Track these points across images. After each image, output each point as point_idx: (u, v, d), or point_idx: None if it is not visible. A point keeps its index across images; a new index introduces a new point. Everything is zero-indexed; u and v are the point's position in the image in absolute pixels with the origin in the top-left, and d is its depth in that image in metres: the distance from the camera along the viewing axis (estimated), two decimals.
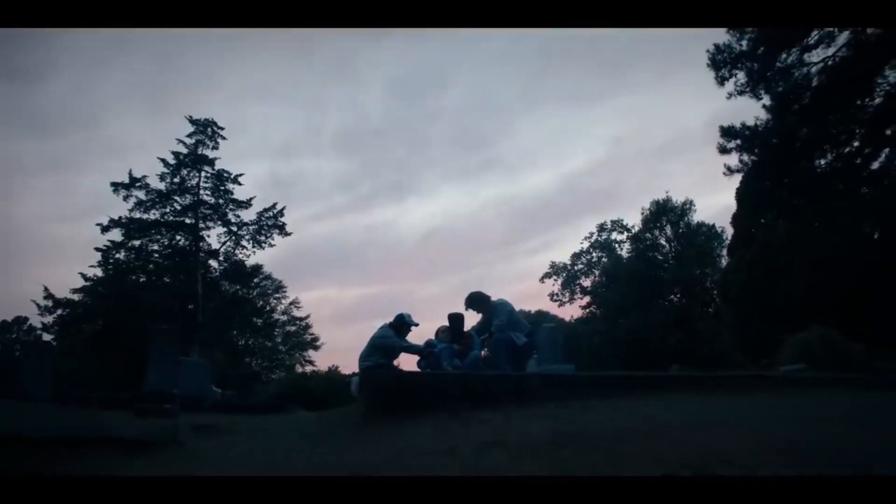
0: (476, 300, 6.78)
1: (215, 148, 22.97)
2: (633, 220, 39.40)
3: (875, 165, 13.75)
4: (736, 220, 16.26)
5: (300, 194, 57.16)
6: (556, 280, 44.59)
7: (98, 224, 20.92)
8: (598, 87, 74.59)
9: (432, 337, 6.52)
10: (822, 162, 14.98)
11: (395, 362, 6.41)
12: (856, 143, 15.06)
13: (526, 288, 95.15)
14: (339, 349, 62.17)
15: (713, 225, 33.35)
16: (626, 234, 40.63)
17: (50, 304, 20.11)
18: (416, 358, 6.38)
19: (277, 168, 55.06)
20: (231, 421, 6.51)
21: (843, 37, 15.53)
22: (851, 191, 13.49)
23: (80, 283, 21.10)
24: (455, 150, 73.36)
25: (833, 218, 12.94)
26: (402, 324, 6.25)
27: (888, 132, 14.35)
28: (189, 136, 22.60)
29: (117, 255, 21.27)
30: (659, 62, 67.34)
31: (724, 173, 14.86)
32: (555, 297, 44.68)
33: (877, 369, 7.52)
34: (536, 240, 76.58)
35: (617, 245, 41.69)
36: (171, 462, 3.60)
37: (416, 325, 6.39)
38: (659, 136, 69.06)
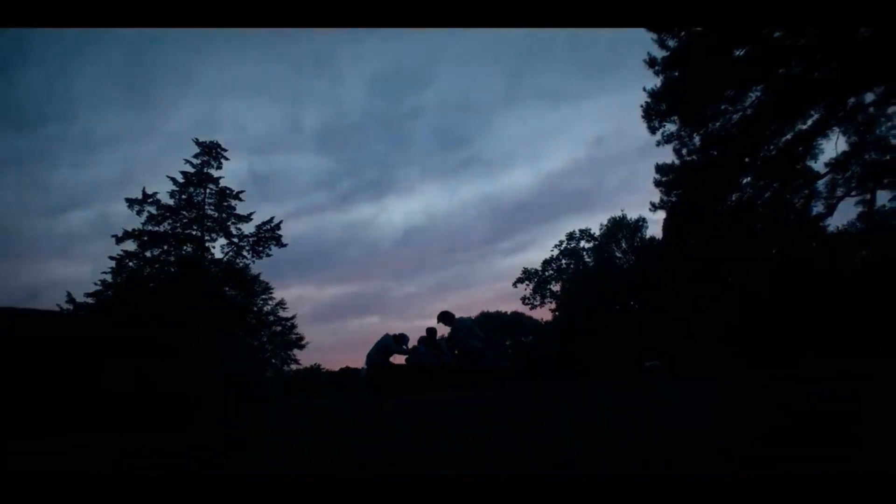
0: (446, 317, 9.87)
1: (219, 168, 25.70)
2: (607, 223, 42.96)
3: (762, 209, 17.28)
4: (663, 248, 19.74)
5: (278, 191, 54.96)
6: (527, 285, 48.23)
7: (113, 235, 23.44)
8: (579, 87, 75.52)
9: (416, 343, 9.56)
10: (731, 200, 18.51)
11: (392, 360, 9.43)
12: (757, 185, 18.62)
13: (503, 288, 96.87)
14: (319, 347, 63.30)
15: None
16: (593, 242, 44.43)
17: (71, 308, 22.40)
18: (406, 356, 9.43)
19: (255, 164, 53.24)
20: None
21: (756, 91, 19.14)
22: (748, 228, 17.01)
23: (91, 287, 23.49)
24: (435, 148, 73.54)
25: (733, 251, 16.44)
26: (402, 339, 9.25)
27: (779, 177, 17.92)
28: (195, 156, 25.25)
29: (129, 263, 23.68)
30: (640, 63, 68.06)
31: (649, 209, 18.26)
32: (526, 301, 48.27)
33: (722, 368, 10.87)
34: (515, 239, 77.50)
35: (585, 253, 45.36)
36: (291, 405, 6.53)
37: (408, 347, 9.39)
38: (640, 137, 69.69)
